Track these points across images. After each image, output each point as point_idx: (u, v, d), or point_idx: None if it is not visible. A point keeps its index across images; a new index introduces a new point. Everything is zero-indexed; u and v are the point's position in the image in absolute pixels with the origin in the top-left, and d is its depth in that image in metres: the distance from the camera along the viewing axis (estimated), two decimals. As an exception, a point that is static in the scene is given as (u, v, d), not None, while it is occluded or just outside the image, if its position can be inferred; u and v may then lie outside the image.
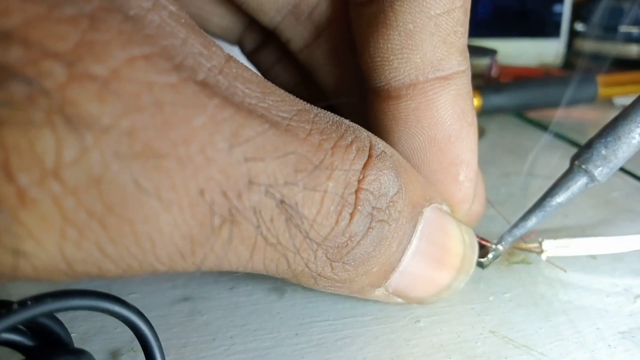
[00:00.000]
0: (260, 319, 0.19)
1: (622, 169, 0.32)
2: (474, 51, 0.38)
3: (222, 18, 0.21)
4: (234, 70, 0.12)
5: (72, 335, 0.17)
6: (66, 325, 0.17)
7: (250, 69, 0.13)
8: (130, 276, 0.11)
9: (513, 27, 0.64)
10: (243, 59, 0.18)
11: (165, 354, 0.17)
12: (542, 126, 0.43)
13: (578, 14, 0.67)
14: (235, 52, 0.18)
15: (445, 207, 0.17)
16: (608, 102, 0.50)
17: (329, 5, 0.19)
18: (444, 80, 0.17)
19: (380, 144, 0.14)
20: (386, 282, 0.16)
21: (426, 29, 0.16)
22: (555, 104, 0.44)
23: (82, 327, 0.18)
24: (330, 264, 0.14)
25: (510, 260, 0.22)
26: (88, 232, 0.10)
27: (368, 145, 0.14)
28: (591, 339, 0.18)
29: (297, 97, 0.14)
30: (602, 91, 0.44)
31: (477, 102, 0.41)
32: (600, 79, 0.44)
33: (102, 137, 0.09)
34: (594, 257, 0.23)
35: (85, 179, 0.09)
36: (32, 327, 0.13)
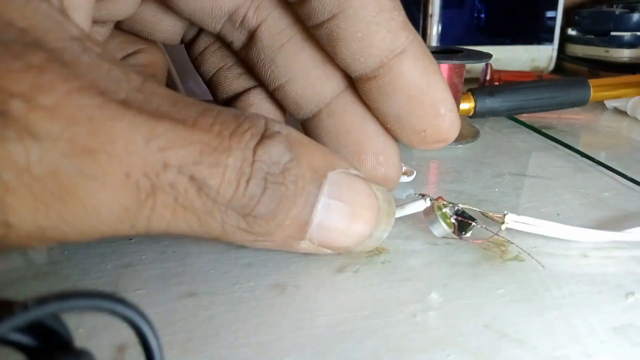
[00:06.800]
0: (263, 313, 0.19)
1: (613, 170, 0.33)
2: (469, 55, 0.39)
3: (163, 32, 0.26)
4: (149, 89, 0.16)
5: (79, 330, 0.18)
6: (73, 320, 0.18)
7: (164, 88, 0.16)
8: (86, 239, 0.15)
9: (506, 33, 0.64)
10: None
11: (170, 347, 0.17)
12: (535, 129, 0.43)
13: (569, 19, 0.68)
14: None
15: (353, 171, 0.20)
16: (600, 105, 0.51)
17: (255, 13, 0.23)
18: (401, 54, 0.21)
19: (275, 127, 0.18)
20: (306, 234, 0.19)
21: (371, 30, 0.21)
22: (548, 107, 0.44)
23: (90, 322, 0.18)
24: (244, 219, 0.17)
25: (504, 257, 0.23)
26: (52, 207, 0.14)
27: (262, 129, 0.17)
28: (584, 334, 0.18)
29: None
30: (594, 94, 0.45)
31: (470, 105, 0.42)
32: (593, 82, 0.45)
33: (54, 144, 0.13)
34: (586, 255, 0.23)
35: (46, 171, 0.13)
36: (33, 327, 0.13)
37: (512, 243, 0.24)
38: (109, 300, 0.12)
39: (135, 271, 0.22)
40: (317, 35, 0.22)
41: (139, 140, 0.14)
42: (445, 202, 0.24)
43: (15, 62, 0.13)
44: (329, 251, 0.21)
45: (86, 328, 0.18)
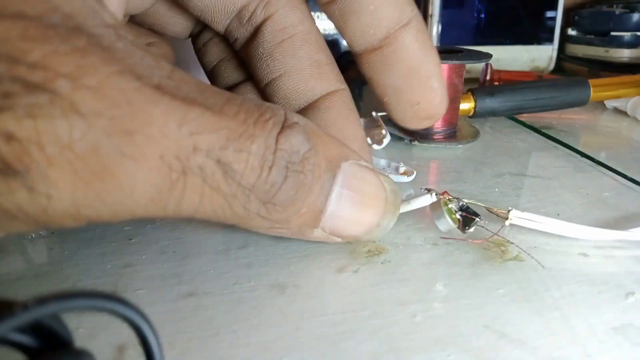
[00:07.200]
0: (263, 313, 0.19)
1: (613, 170, 0.33)
2: (469, 55, 0.39)
3: (175, 26, 0.28)
4: (178, 77, 0.16)
5: (79, 330, 0.18)
6: (74, 320, 0.18)
7: (191, 75, 0.17)
8: (118, 220, 0.16)
9: (506, 33, 0.64)
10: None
11: (170, 347, 0.17)
12: (535, 129, 0.43)
13: (569, 19, 0.68)
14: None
15: (364, 163, 0.21)
16: (600, 105, 0.51)
17: (264, 9, 0.24)
18: (406, 26, 0.23)
19: (294, 118, 0.19)
20: (320, 223, 0.20)
21: (382, 3, 0.23)
22: (548, 107, 0.44)
23: (90, 322, 0.18)
24: (264, 206, 0.18)
25: (504, 257, 0.23)
26: (91, 184, 0.14)
27: (283, 119, 0.18)
28: (584, 334, 0.18)
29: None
30: (594, 94, 0.45)
31: (470, 105, 0.42)
32: (593, 82, 0.45)
33: (96, 122, 0.14)
34: (586, 254, 0.23)
35: (87, 149, 0.14)
36: (33, 327, 0.13)
37: (512, 243, 0.24)
38: (109, 300, 0.12)
39: (135, 271, 0.22)
40: (329, 11, 0.24)
41: (172, 125, 0.15)
42: (450, 197, 0.24)
43: (62, 44, 0.14)
44: (339, 240, 0.22)
45: (86, 328, 0.18)
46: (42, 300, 0.11)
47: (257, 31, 0.25)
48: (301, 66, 0.24)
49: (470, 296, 0.20)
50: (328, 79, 0.25)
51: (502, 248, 0.23)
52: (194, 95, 0.16)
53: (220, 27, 0.26)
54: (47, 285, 0.21)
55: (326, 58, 0.25)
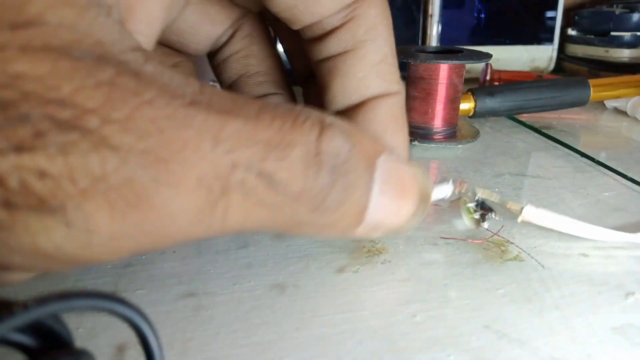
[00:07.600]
0: (263, 313, 0.19)
1: (613, 170, 0.33)
2: (469, 55, 0.39)
3: (199, 43, 0.27)
4: (209, 91, 0.16)
5: (79, 330, 0.18)
6: (74, 320, 0.18)
7: (220, 89, 0.17)
8: (159, 248, 0.15)
9: (506, 33, 0.64)
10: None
11: (170, 347, 0.17)
12: (535, 129, 0.43)
13: (569, 19, 0.68)
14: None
15: (395, 155, 0.21)
16: (600, 105, 0.51)
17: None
18: (384, 97, 0.23)
19: (329, 118, 0.18)
20: (364, 219, 0.20)
21: (371, 75, 0.23)
22: (548, 107, 0.44)
23: (90, 322, 0.18)
24: (312, 213, 0.17)
25: (504, 257, 0.23)
26: (128, 214, 0.14)
27: (319, 120, 0.18)
28: (584, 335, 0.18)
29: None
30: (594, 94, 0.45)
31: (470, 105, 0.42)
32: (593, 82, 0.45)
33: (128, 155, 0.14)
34: (586, 254, 0.23)
35: (121, 181, 0.14)
36: (33, 327, 0.13)
37: (512, 243, 0.24)
38: (109, 300, 0.12)
39: (135, 271, 0.22)
40: (319, 67, 0.24)
41: (206, 146, 0.15)
42: (467, 188, 0.24)
43: (88, 79, 0.14)
44: (379, 234, 0.21)
45: (86, 328, 0.18)
46: (42, 300, 0.11)
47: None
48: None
49: (470, 296, 0.20)
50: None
51: (502, 248, 0.23)
52: (228, 106, 0.16)
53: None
54: (47, 285, 0.21)
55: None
